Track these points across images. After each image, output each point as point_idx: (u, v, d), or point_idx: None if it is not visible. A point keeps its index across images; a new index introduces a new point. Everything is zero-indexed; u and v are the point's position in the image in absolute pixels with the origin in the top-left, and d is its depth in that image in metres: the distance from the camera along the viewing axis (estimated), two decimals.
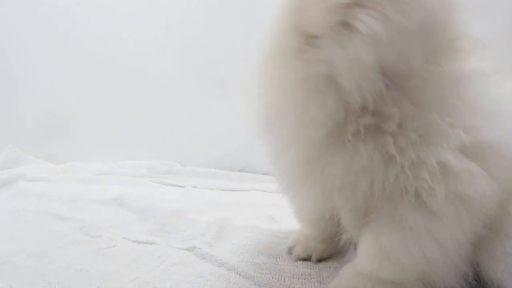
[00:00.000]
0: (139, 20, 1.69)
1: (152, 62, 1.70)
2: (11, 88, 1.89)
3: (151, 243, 0.90)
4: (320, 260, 0.79)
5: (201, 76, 1.63)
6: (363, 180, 0.53)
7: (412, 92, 0.51)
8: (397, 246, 0.56)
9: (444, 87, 0.52)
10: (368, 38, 0.46)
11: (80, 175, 1.55)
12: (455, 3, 0.52)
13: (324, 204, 0.64)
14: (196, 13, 1.61)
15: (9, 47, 1.86)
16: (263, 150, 0.66)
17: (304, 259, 0.80)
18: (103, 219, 1.06)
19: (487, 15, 1.16)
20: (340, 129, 0.53)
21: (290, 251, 0.83)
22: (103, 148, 1.80)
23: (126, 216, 1.10)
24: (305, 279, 0.74)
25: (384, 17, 0.46)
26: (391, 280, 0.61)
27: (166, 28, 1.65)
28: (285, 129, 0.58)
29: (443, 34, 0.52)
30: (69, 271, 0.77)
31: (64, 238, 0.94)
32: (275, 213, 1.07)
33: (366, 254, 0.62)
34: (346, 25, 0.47)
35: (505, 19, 1.26)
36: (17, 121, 1.88)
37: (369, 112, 0.51)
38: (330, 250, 0.80)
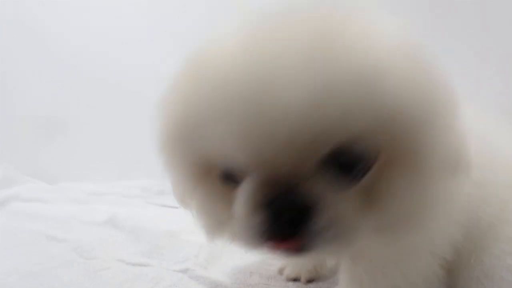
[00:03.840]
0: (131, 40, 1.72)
1: (144, 81, 1.72)
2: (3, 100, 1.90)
3: (144, 265, 0.90)
4: (311, 281, 0.80)
5: None
6: None
7: None
8: (365, 276, 0.61)
9: None
10: None
11: (74, 195, 1.55)
12: None
13: None
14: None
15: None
16: None
17: (295, 279, 0.81)
18: (97, 240, 1.07)
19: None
20: None
21: (280, 271, 0.84)
22: (97, 166, 1.81)
23: (119, 237, 1.10)
24: None
25: None
26: None
27: (163, 39, 1.67)
28: None
29: None
30: None
31: (58, 259, 0.94)
32: None
33: (343, 280, 0.67)
34: None
35: None
36: (11, 136, 1.88)
37: None
38: (320, 271, 0.81)
